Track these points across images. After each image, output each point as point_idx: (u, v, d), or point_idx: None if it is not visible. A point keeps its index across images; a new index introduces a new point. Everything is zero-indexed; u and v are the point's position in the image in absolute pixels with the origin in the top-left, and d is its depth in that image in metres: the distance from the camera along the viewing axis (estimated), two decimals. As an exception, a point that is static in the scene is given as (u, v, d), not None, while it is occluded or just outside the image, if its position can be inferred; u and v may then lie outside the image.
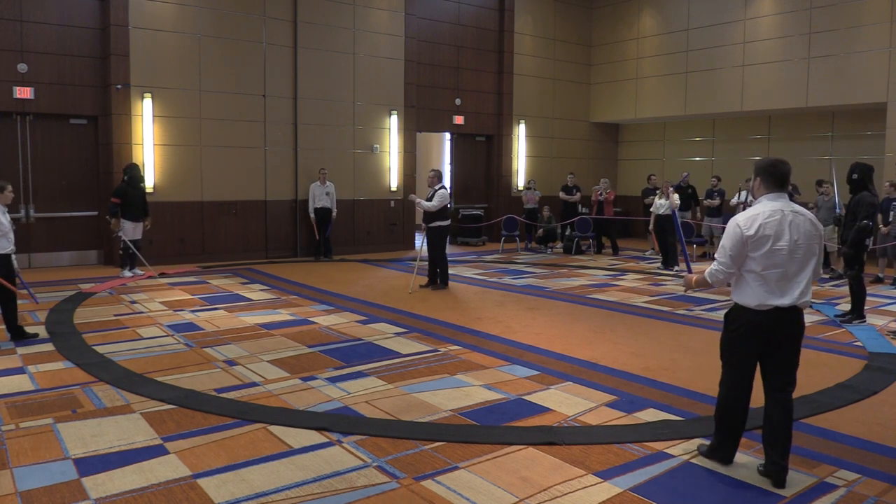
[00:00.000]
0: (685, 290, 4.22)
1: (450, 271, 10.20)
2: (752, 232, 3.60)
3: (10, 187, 6.65)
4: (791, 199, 3.77)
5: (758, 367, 3.79)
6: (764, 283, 3.61)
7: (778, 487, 3.63)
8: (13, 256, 6.61)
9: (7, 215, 6.53)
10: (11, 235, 6.50)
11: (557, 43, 17.13)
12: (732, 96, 14.78)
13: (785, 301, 3.60)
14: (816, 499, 3.53)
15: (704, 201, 13.83)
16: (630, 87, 16.93)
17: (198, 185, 12.22)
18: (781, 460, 3.68)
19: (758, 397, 3.88)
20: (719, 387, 3.88)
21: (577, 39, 17.51)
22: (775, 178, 3.70)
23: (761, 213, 3.64)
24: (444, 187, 9.65)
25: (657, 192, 14.37)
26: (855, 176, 7.54)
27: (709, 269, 3.79)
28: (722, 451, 3.88)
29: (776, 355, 3.70)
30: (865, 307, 7.77)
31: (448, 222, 9.77)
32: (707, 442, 4.08)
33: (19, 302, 6.86)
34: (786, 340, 3.67)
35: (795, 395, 5.11)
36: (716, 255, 3.76)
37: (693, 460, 3.97)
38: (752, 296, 3.64)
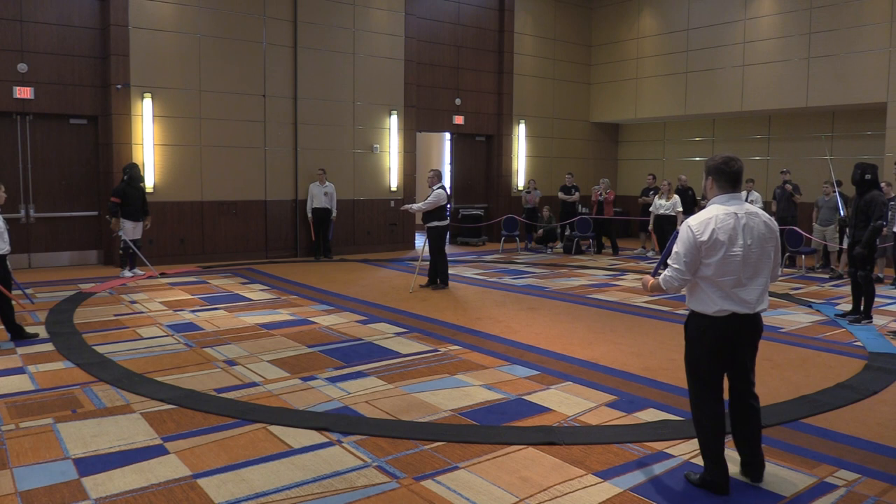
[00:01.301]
0: (644, 291, 4.00)
1: (450, 271, 10.20)
2: (705, 237, 3.44)
3: (2, 188, 6.62)
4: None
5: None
6: (718, 290, 3.48)
7: (756, 482, 3.65)
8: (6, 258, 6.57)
9: (1, 216, 6.49)
10: (6, 236, 6.46)
11: (557, 43, 17.13)
12: (732, 96, 14.78)
13: (742, 308, 3.48)
14: (816, 499, 3.53)
15: (702, 201, 13.83)
16: (630, 87, 16.93)
17: (198, 185, 12.22)
18: (756, 458, 3.68)
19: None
20: (693, 410, 3.69)
21: (577, 39, 17.51)
22: (728, 177, 3.52)
23: (714, 216, 3.47)
24: (442, 187, 9.66)
25: (651, 191, 14.40)
26: (868, 176, 7.50)
27: (663, 274, 3.62)
28: (718, 481, 3.58)
29: (740, 360, 3.63)
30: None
31: (446, 222, 9.78)
32: (693, 472, 3.80)
33: (21, 302, 6.85)
34: (745, 346, 3.61)
35: (795, 395, 5.15)
36: (669, 261, 3.58)
37: (693, 460, 3.97)
38: (708, 303, 3.51)
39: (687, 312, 3.71)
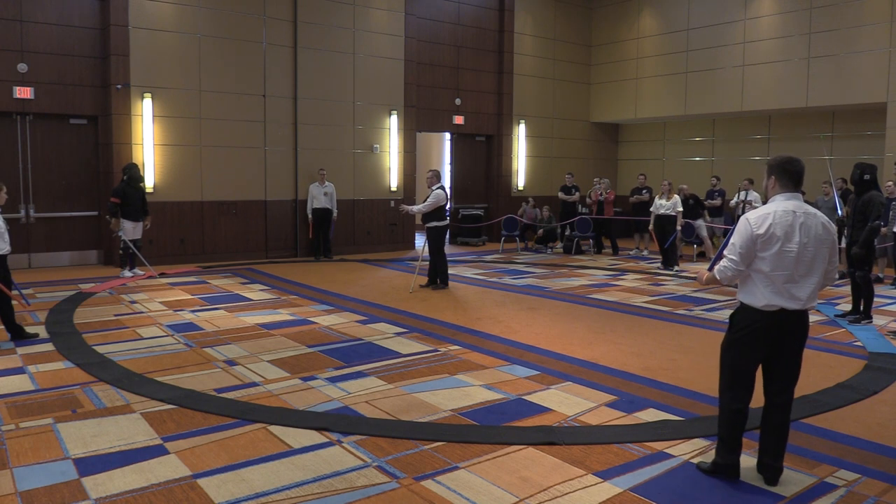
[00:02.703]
0: (697, 287, 4.11)
1: (450, 271, 10.20)
2: (762, 231, 3.52)
3: (3, 188, 6.63)
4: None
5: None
6: (771, 284, 3.54)
7: (770, 485, 3.65)
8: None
9: (1, 216, 6.49)
10: (7, 236, 6.46)
11: (557, 43, 17.13)
12: (732, 96, 14.78)
13: (792, 304, 3.53)
14: (816, 499, 3.53)
15: (706, 202, 13.81)
16: (630, 87, 16.93)
17: (198, 185, 12.22)
18: (776, 462, 3.68)
19: (756, 397, 3.87)
20: (720, 398, 3.76)
21: (577, 39, 17.51)
22: (790, 176, 3.61)
23: (773, 212, 3.56)
24: (441, 187, 9.66)
25: (643, 191, 14.40)
26: (867, 176, 7.51)
27: (718, 265, 3.71)
28: (730, 466, 3.71)
29: (780, 359, 3.65)
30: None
31: (446, 222, 9.78)
32: (706, 458, 3.92)
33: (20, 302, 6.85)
34: (790, 343, 3.62)
35: (795, 395, 5.13)
36: (725, 252, 3.67)
37: (693, 460, 3.97)
38: (759, 296, 3.57)
39: (736, 304, 3.76)
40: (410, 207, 9.96)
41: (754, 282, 3.61)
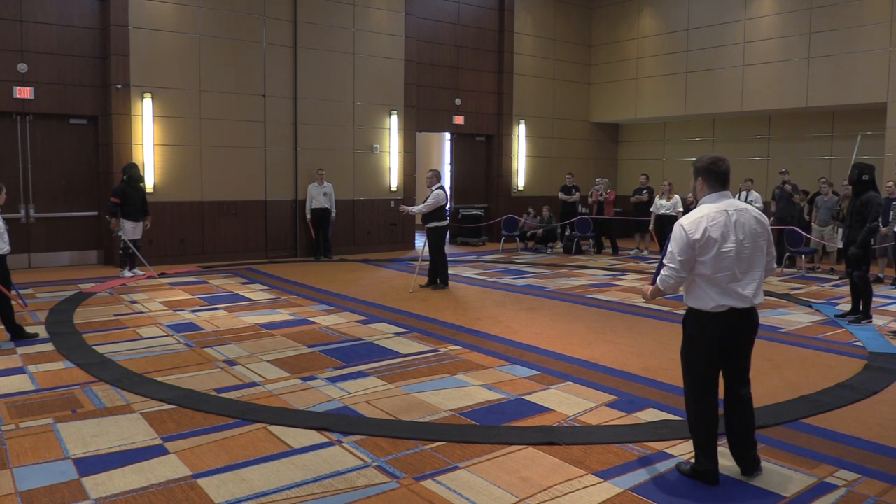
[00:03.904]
0: (644, 301, 4.09)
1: (450, 271, 10.20)
2: (698, 235, 3.52)
3: (3, 189, 6.63)
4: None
5: None
6: (715, 286, 3.55)
7: (745, 475, 3.71)
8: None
9: (1, 216, 6.49)
10: (7, 236, 6.46)
11: (557, 43, 17.13)
12: (732, 96, 14.78)
13: (740, 302, 3.56)
14: (816, 499, 3.53)
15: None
16: (630, 87, 16.93)
17: (198, 185, 12.22)
18: (750, 452, 3.72)
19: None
20: (687, 405, 3.76)
21: (577, 39, 17.51)
22: (716, 176, 3.63)
23: (706, 215, 3.56)
24: (441, 187, 9.66)
25: (643, 191, 14.40)
26: (866, 177, 7.51)
27: (659, 276, 3.69)
28: (708, 472, 3.67)
29: (737, 355, 3.69)
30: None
31: (446, 222, 9.78)
32: (684, 462, 3.88)
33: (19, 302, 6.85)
34: (743, 340, 3.67)
35: (795, 395, 5.14)
36: (665, 261, 3.64)
37: (693, 460, 3.96)
38: (706, 299, 3.58)
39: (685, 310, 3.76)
40: (410, 208, 9.96)
41: (699, 285, 3.60)
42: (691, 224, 3.56)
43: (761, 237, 3.61)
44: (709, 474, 3.66)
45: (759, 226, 3.61)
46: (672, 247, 3.61)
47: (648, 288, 3.87)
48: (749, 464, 3.73)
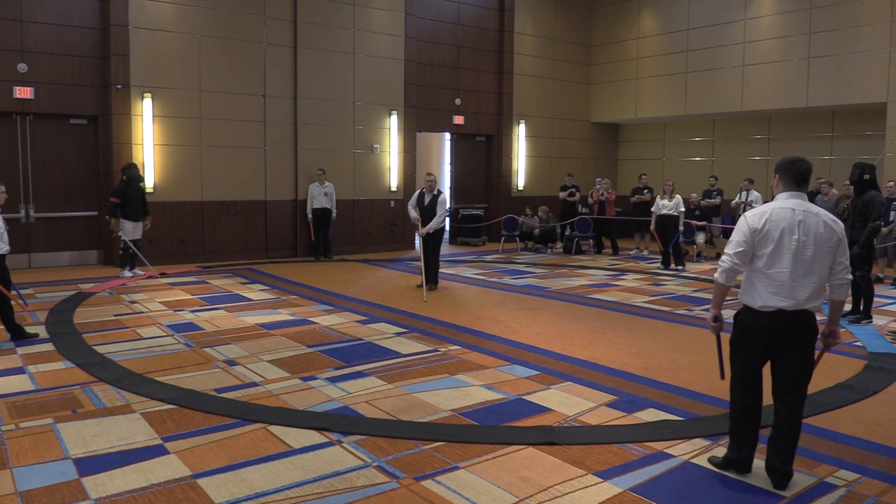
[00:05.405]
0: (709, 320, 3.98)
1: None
2: (758, 226, 3.56)
3: (2, 188, 6.62)
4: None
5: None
6: (769, 284, 3.54)
7: (777, 489, 3.61)
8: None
9: (1, 216, 6.49)
10: (6, 236, 6.46)
11: (557, 43, 17.13)
12: (732, 96, 14.78)
13: (789, 304, 3.51)
14: (816, 499, 3.53)
15: (702, 202, 13.80)
16: (630, 87, 16.93)
17: (198, 185, 12.22)
18: (784, 466, 3.61)
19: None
20: (730, 394, 3.81)
21: (577, 39, 17.51)
22: (792, 175, 3.62)
23: (772, 209, 3.59)
24: (440, 192, 9.66)
25: (644, 190, 14.39)
26: (867, 176, 7.51)
27: (718, 264, 3.73)
28: (738, 460, 3.74)
29: (784, 359, 3.63)
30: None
31: (446, 225, 9.74)
32: (717, 452, 3.95)
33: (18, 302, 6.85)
34: (792, 344, 3.58)
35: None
36: (725, 249, 3.70)
37: (693, 460, 3.97)
38: (756, 296, 3.59)
39: (737, 303, 3.81)
40: (428, 227, 9.48)
41: (753, 282, 3.64)
42: (754, 215, 3.62)
43: (827, 243, 3.52)
44: (740, 462, 3.73)
45: (828, 231, 3.52)
46: (734, 235, 3.68)
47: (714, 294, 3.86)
48: (778, 479, 3.61)
